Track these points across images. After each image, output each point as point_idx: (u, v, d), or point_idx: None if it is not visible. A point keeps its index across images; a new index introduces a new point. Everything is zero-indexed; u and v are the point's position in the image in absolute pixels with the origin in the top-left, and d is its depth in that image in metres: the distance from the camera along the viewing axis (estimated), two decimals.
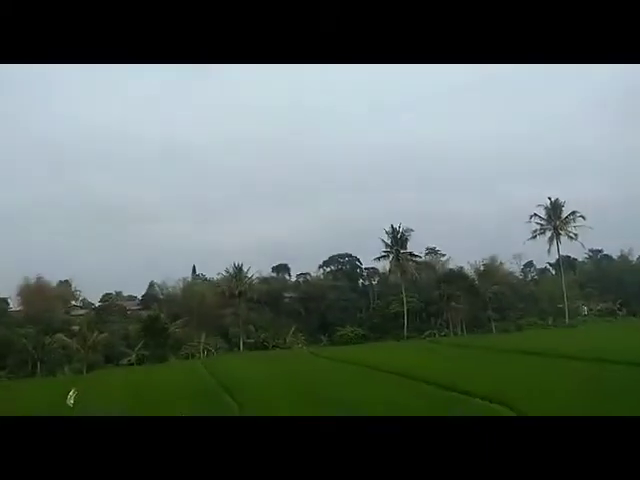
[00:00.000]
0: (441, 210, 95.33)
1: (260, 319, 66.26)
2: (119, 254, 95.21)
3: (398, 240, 62.22)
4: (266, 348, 57.32)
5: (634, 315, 62.82)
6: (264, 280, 74.89)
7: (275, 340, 59.94)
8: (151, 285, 75.97)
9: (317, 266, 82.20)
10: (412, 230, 62.44)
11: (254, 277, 66.42)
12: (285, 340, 60.37)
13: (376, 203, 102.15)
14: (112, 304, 72.46)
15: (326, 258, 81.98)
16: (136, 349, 55.54)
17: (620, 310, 63.28)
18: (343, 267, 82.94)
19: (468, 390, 19.51)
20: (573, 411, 14.13)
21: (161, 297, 71.16)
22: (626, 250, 79.41)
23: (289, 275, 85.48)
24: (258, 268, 70.15)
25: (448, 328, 59.67)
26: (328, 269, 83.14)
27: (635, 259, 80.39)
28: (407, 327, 58.99)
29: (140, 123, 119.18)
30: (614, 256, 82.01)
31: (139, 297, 77.85)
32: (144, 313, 62.99)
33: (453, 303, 59.30)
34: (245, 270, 63.67)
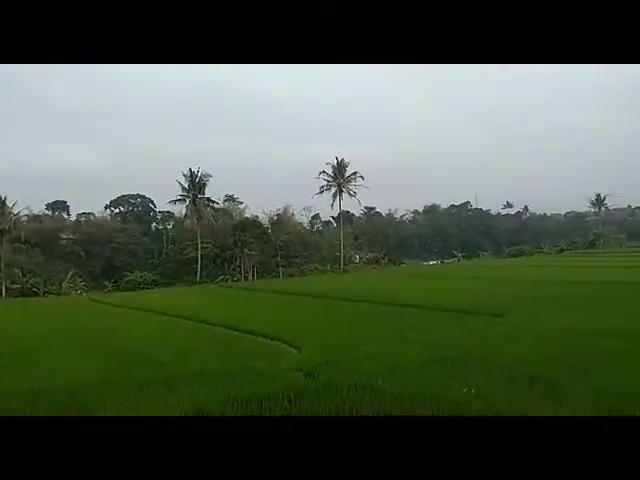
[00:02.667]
0: (245, 160, 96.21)
1: (29, 262, 57.95)
2: None
3: (196, 184, 60.70)
4: (36, 295, 50.73)
5: (394, 264, 75.29)
6: (35, 218, 65.21)
7: (48, 286, 53.44)
8: None
9: (103, 206, 75.01)
10: (210, 176, 61.59)
11: (21, 214, 57.11)
12: (61, 286, 54.45)
13: (176, 145, 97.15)
14: None
15: (114, 197, 75.32)
16: None
17: (384, 259, 74.96)
18: (134, 209, 77.51)
19: (251, 330, 20.75)
20: (336, 338, 16.60)
21: None
22: (393, 209, 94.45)
23: (68, 214, 76.10)
24: (28, 204, 60.44)
25: (240, 274, 61.78)
26: (117, 210, 76.64)
27: (399, 217, 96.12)
28: (201, 273, 59.00)
29: None
30: (383, 213, 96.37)
31: None
32: None
33: (247, 250, 61.42)
34: (10, 205, 54.10)
